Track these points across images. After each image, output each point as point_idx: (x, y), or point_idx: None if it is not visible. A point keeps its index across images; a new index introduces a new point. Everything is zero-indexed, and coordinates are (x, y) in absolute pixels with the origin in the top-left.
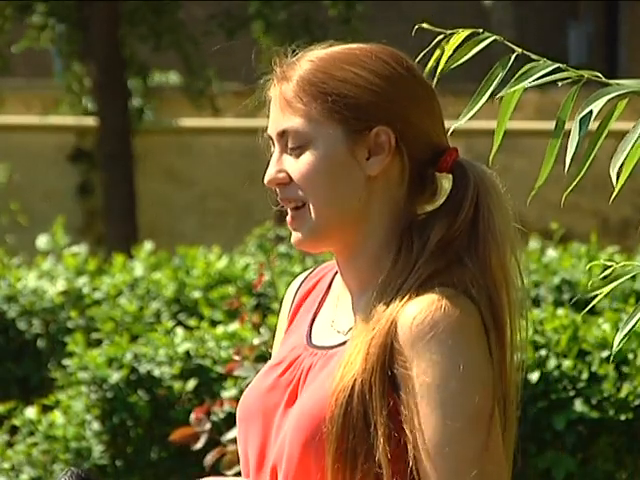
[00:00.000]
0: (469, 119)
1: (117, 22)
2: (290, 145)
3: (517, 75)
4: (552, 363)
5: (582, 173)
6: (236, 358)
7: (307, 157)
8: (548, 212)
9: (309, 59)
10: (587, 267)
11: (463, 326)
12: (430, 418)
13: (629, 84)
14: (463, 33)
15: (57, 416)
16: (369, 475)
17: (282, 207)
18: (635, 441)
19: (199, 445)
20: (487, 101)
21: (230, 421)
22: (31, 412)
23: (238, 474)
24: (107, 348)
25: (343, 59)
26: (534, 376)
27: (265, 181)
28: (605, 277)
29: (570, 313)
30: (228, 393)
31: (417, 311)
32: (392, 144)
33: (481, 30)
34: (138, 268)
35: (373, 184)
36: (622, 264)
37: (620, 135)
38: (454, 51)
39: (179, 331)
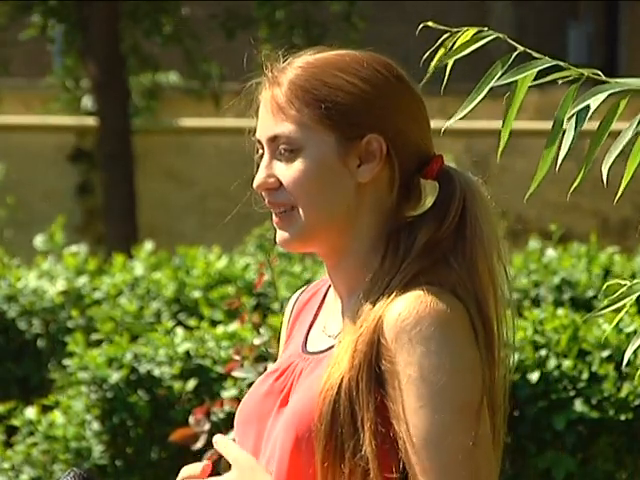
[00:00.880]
0: (467, 115)
1: (117, 21)
2: (281, 150)
3: (516, 68)
4: (552, 363)
5: (583, 174)
6: (236, 358)
7: (298, 163)
8: (548, 212)
9: (300, 65)
10: (604, 287)
11: (449, 321)
12: (418, 412)
13: (628, 82)
14: (470, 31)
15: (57, 416)
16: (357, 470)
17: (269, 209)
18: (635, 441)
19: (199, 445)
20: (485, 97)
21: (230, 421)
22: (31, 412)
23: None
24: (107, 348)
25: (335, 66)
26: (534, 376)
27: (254, 185)
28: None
29: (570, 313)
30: (228, 393)
31: (403, 307)
32: (383, 152)
33: (486, 28)
34: (138, 268)
35: (363, 191)
36: (635, 282)
37: (618, 135)
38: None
39: (179, 331)
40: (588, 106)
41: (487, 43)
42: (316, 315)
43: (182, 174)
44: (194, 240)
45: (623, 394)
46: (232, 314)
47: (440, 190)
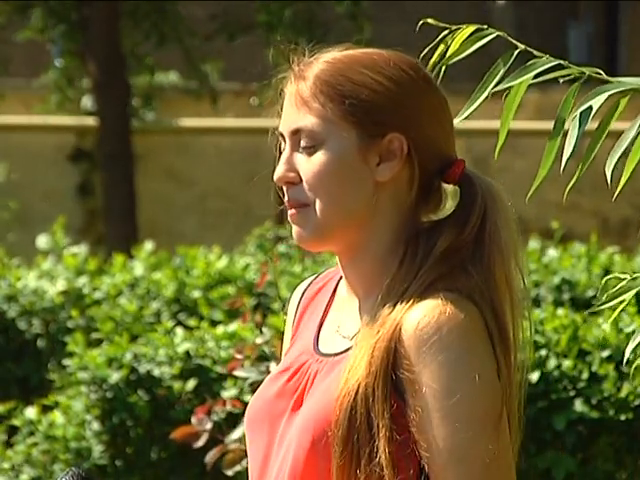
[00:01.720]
0: (469, 115)
1: (117, 21)
2: (303, 144)
3: (518, 71)
4: (552, 363)
5: (580, 172)
6: (238, 357)
7: (319, 157)
8: (548, 212)
9: (327, 60)
10: (603, 281)
11: (467, 329)
12: (440, 423)
13: (630, 81)
14: (468, 29)
15: (57, 416)
16: (372, 476)
17: (285, 206)
18: (635, 441)
19: (200, 443)
20: (487, 98)
21: (231, 420)
22: (31, 412)
23: (238, 474)
24: (107, 348)
25: (361, 63)
26: (534, 376)
27: (275, 178)
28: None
29: (570, 313)
30: (228, 393)
31: (421, 315)
32: (404, 151)
33: (486, 26)
34: (138, 268)
35: (381, 190)
36: (635, 276)
37: (619, 135)
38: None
39: (179, 331)
40: (590, 107)
41: (488, 42)
42: (326, 311)
43: (182, 174)
44: (194, 240)
45: (623, 394)
46: (232, 314)
47: (461, 195)
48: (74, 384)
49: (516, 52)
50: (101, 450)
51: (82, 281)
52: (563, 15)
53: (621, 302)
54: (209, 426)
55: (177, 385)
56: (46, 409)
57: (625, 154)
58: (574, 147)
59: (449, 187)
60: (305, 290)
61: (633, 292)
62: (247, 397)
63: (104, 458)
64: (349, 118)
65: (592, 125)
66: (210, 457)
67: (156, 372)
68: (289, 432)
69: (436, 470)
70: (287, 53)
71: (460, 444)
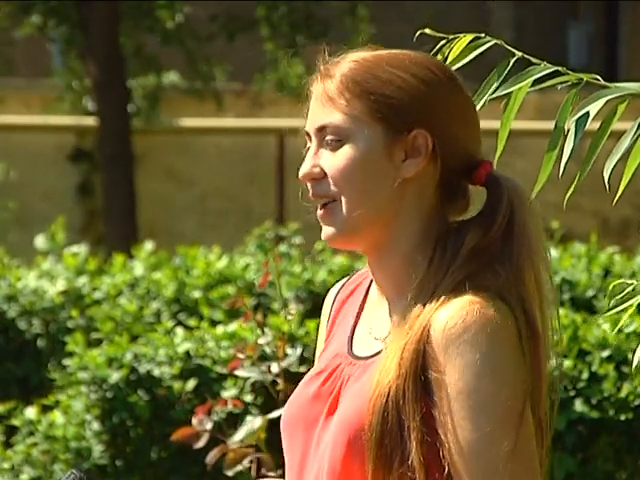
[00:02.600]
0: None
1: (117, 21)
2: (328, 140)
3: (515, 77)
4: (552, 363)
5: (581, 176)
6: (240, 356)
7: (344, 152)
8: (548, 212)
9: (354, 59)
10: (610, 287)
11: (496, 328)
12: (464, 422)
13: (628, 87)
14: (466, 38)
15: (57, 416)
16: (404, 479)
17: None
18: (635, 441)
19: (201, 444)
20: (485, 103)
21: (231, 420)
22: (31, 412)
23: (239, 474)
24: (107, 348)
25: (388, 62)
26: None
27: (300, 176)
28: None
29: (570, 313)
30: (228, 393)
31: (449, 315)
32: (429, 148)
33: (483, 35)
34: (138, 268)
35: (406, 186)
36: None
37: (620, 135)
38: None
39: (179, 331)
40: (588, 113)
41: (485, 50)
42: (359, 313)
43: (182, 174)
44: (194, 240)
45: (623, 394)
46: (232, 314)
47: (488, 197)
48: (74, 384)
49: (513, 60)
50: (101, 450)
51: (82, 281)
52: (563, 15)
53: (628, 309)
54: (209, 426)
55: (177, 385)
56: (46, 409)
57: (624, 156)
58: (571, 153)
59: (476, 188)
60: (338, 292)
61: (639, 298)
62: (247, 397)
63: (104, 458)
64: (375, 114)
65: (594, 125)
66: (211, 457)
67: (156, 372)
68: (326, 435)
69: (455, 467)
70: (290, 51)
71: (482, 444)
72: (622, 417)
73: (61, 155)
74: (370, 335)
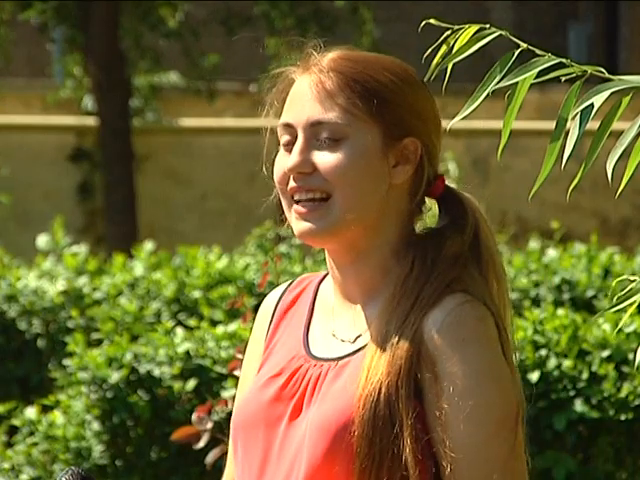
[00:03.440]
0: (469, 114)
1: (117, 21)
2: (324, 136)
3: (519, 68)
4: (552, 363)
5: (582, 173)
6: (240, 356)
7: (342, 151)
8: (548, 212)
9: (347, 57)
10: (614, 282)
11: (486, 330)
12: (461, 422)
13: (632, 79)
14: (471, 28)
15: (57, 416)
16: (396, 477)
17: (292, 197)
18: (635, 441)
19: (201, 444)
20: (488, 96)
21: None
22: (31, 412)
23: None
24: (107, 348)
25: (380, 64)
26: (534, 376)
27: (287, 168)
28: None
29: (570, 313)
30: (228, 393)
31: (443, 316)
32: (418, 157)
33: (488, 25)
34: (138, 268)
35: (391, 192)
36: None
37: (619, 135)
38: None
39: (179, 331)
40: (592, 104)
41: (489, 42)
42: (310, 315)
43: (182, 174)
44: (194, 240)
45: (623, 394)
46: (232, 314)
47: (447, 208)
48: (74, 384)
49: (518, 51)
50: (101, 450)
51: (82, 281)
52: (563, 15)
53: (630, 305)
54: (209, 426)
55: (177, 385)
56: (46, 409)
57: (625, 154)
58: (575, 145)
59: (431, 200)
60: (281, 297)
61: None
62: None
63: (104, 458)
64: (375, 117)
65: (594, 125)
66: (211, 457)
67: (156, 372)
68: (293, 438)
69: (451, 467)
70: (294, 45)
71: (478, 444)
72: (622, 417)
73: (61, 155)
74: (333, 337)
